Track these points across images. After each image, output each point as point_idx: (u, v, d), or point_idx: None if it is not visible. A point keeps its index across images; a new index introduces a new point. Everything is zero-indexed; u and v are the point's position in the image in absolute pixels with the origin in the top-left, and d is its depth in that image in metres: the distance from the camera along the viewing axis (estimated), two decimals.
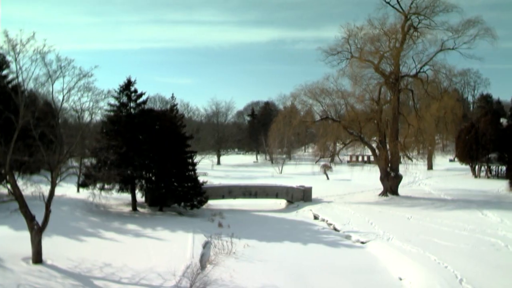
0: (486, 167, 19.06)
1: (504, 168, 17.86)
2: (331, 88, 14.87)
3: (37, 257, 5.86)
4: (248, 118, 39.81)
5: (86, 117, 8.83)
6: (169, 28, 61.21)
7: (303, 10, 63.98)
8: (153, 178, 11.31)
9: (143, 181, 11.34)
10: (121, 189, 11.16)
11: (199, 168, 14.80)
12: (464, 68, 24.47)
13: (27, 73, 6.28)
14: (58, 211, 8.71)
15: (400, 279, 5.77)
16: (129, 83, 11.27)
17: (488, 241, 7.52)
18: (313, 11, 62.80)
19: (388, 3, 14.49)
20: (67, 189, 11.83)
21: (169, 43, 63.01)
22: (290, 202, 13.62)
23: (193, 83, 59.86)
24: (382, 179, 14.44)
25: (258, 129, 31.59)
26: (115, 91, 11.19)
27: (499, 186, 14.74)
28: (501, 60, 48.26)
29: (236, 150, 39.56)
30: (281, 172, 23.35)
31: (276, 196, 13.63)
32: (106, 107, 11.10)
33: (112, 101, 11.22)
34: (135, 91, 11.42)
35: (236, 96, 69.52)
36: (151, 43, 61.36)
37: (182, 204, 11.01)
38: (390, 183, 14.33)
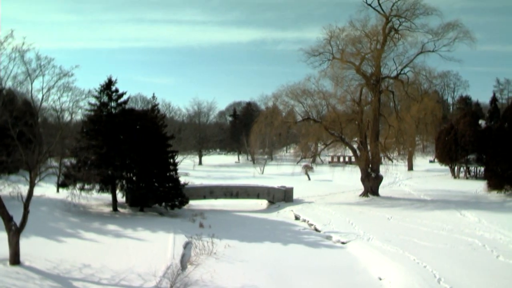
0: (465, 168, 19.29)
1: (482, 169, 18.08)
2: (313, 89, 14.94)
3: (15, 259, 5.77)
4: (230, 119, 39.76)
5: (66, 116, 8.74)
6: (149, 27, 60.89)
7: (284, 11, 64.12)
8: (133, 178, 11.24)
9: (124, 181, 11.28)
10: (102, 189, 11.06)
11: (181, 168, 14.79)
12: (444, 70, 24.84)
13: (5, 71, 6.20)
14: (36, 211, 8.60)
15: (380, 279, 5.81)
16: (109, 83, 11.18)
17: (466, 241, 7.62)
18: (295, 12, 62.95)
19: (370, 5, 14.62)
20: (46, 189, 11.69)
21: (150, 42, 62.74)
22: (271, 202, 13.60)
23: (175, 83, 59.73)
24: (362, 179, 14.55)
25: (240, 130, 31.61)
26: (96, 91, 11.08)
27: (478, 186, 14.93)
28: (480, 63, 49.00)
29: (218, 150, 39.49)
30: (262, 173, 23.27)
31: (257, 196, 13.60)
32: (87, 106, 11.02)
33: (93, 100, 11.12)
34: (116, 90, 11.33)
35: (218, 96, 69.34)
36: (131, 42, 61.00)
37: (163, 204, 10.93)
38: (371, 183, 14.44)
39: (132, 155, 10.58)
